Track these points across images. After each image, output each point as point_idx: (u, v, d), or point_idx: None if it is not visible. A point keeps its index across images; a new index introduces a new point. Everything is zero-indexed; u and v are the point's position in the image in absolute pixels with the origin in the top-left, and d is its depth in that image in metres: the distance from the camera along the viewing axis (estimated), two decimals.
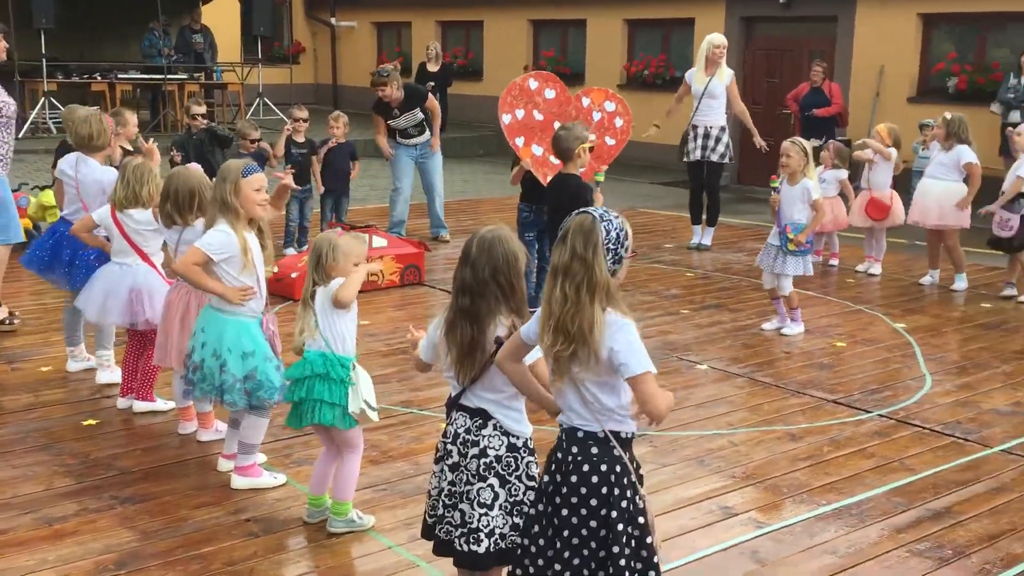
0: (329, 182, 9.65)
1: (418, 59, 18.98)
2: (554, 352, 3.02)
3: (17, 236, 6.94)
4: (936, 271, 9.07)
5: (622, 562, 3.04)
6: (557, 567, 3.11)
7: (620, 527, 3.05)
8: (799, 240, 7.23)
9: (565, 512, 3.10)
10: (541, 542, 3.17)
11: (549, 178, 7.06)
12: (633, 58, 17.77)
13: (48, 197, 9.14)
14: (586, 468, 3.07)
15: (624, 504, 3.07)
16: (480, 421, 3.39)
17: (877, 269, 9.48)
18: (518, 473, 3.37)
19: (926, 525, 4.57)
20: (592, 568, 3.08)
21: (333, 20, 23.79)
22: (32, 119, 16.77)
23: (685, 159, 10.48)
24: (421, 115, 10.12)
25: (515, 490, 3.37)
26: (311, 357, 4.20)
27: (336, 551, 4.23)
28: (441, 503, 3.46)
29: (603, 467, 3.07)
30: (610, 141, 7.58)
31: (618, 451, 3.08)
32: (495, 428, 3.37)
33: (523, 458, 3.39)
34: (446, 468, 3.45)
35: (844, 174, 9.46)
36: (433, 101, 10.31)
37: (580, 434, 3.11)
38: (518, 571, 3.24)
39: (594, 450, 3.08)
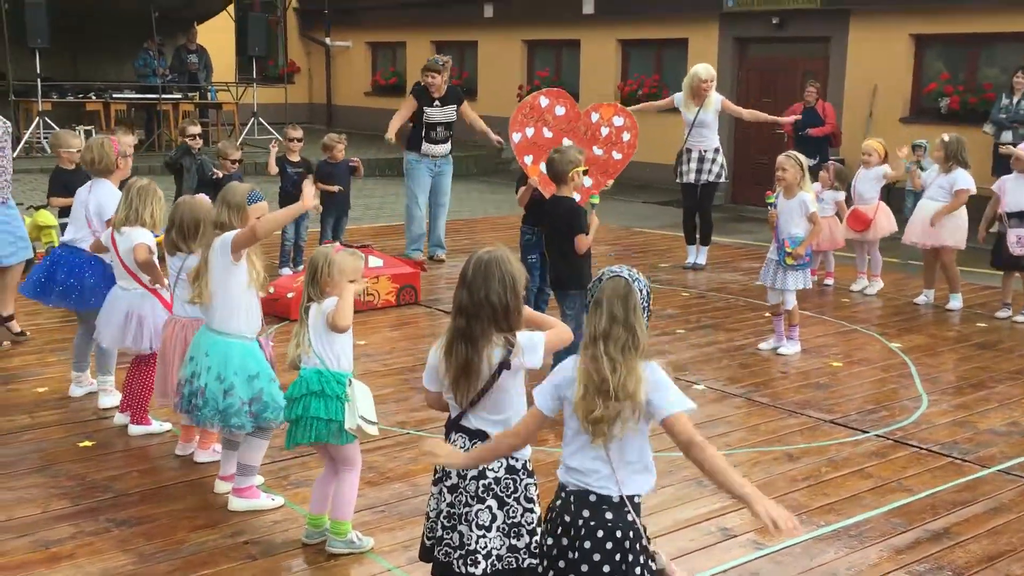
0: (330, 201, 9.62)
1: (412, 79, 19.01)
2: (593, 417, 2.99)
3: (26, 252, 7.29)
4: (931, 291, 9.09)
5: None
6: None
7: None
8: (798, 253, 7.23)
9: None
10: None
11: None
12: (627, 78, 17.85)
13: (43, 217, 9.13)
14: (600, 534, 3.03)
15: (638, 571, 3.05)
16: (479, 443, 3.39)
17: (878, 285, 9.47)
18: (516, 495, 3.37)
19: (925, 546, 4.57)
20: None
21: (328, 40, 23.87)
22: (26, 139, 16.76)
23: (679, 180, 10.52)
24: (455, 115, 10.29)
25: (513, 512, 3.36)
26: (306, 375, 4.19)
27: (335, 573, 4.21)
28: (440, 525, 3.45)
29: (618, 533, 3.03)
30: (617, 155, 7.57)
31: (632, 516, 3.05)
32: None
33: (522, 480, 3.39)
34: (445, 489, 3.44)
35: (842, 196, 9.49)
36: (468, 107, 10.51)
37: (592, 497, 3.06)
38: None
39: (608, 515, 3.04)
